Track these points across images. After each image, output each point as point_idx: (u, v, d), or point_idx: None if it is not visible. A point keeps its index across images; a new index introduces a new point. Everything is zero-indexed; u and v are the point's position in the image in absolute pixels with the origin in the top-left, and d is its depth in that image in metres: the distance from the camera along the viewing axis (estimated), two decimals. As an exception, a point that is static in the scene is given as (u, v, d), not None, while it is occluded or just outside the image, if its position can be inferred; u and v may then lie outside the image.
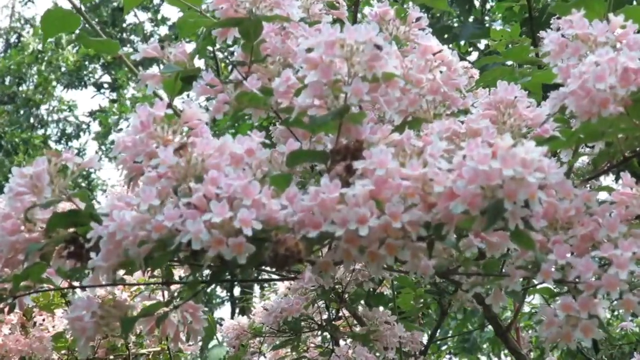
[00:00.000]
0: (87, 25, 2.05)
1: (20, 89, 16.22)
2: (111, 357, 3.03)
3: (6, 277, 1.55)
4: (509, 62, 2.46)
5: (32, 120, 16.52)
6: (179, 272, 1.93)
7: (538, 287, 1.58)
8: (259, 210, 1.28)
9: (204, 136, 1.47)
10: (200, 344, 2.92)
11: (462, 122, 1.50)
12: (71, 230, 1.48)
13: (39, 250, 1.48)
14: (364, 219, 1.24)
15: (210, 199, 1.28)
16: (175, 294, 1.61)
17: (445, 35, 5.41)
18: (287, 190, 1.33)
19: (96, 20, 13.53)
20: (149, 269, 1.39)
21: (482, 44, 5.94)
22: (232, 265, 1.29)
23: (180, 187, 1.37)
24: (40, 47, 15.42)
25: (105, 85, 16.51)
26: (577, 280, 1.32)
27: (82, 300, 1.54)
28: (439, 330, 4.56)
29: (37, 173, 1.45)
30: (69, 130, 16.84)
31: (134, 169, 1.49)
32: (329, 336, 2.84)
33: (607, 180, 3.38)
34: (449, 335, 6.47)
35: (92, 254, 1.40)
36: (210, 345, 2.94)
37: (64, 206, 1.49)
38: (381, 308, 3.32)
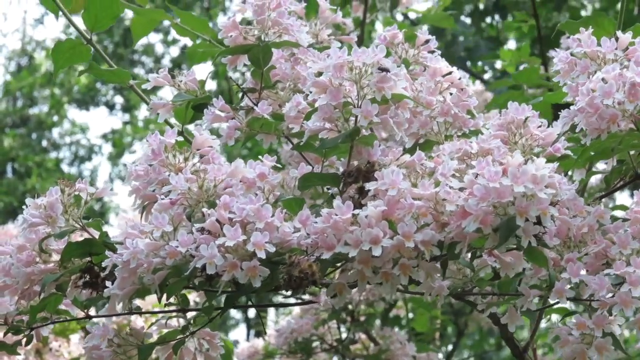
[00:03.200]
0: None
1: (32, 111, 16.24)
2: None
3: (23, 309, 1.54)
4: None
5: (44, 143, 16.52)
6: (194, 298, 1.92)
7: (555, 306, 1.57)
8: (272, 234, 1.28)
9: (216, 162, 1.46)
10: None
11: (473, 143, 1.50)
12: (86, 259, 1.48)
13: (54, 281, 1.48)
14: (377, 239, 1.25)
15: (224, 224, 1.28)
16: (191, 320, 1.61)
17: (462, 53, 5.41)
18: (300, 213, 1.33)
19: (108, 40, 13.53)
20: (164, 295, 1.39)
21: (498, 62, 5.95)
22: (247, 289, 1.30)
23: (194, 212, 1.37)
24: (52, 69, 15.35)
25: (118, 106, 16.50)
26: (591, 298, 1.32)
27: (98, 328, 1.54)
28: (455, 351, 4.56)
29: (51, 203, 1.44)
30: (82, 152, 16.83)
31: (147, 197, 1.49)
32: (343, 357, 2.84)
33: (622, 196, 3.37)
34: (466, 355, 6.45)
35: (108, 283, 1.40)
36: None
37: (78, 235, 1.48)
38: (396, 329, 3.33)
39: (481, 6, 5.64)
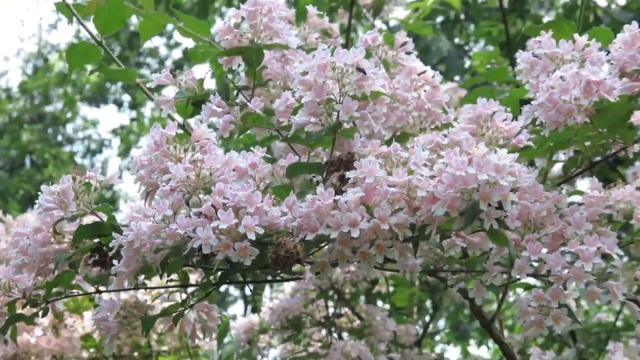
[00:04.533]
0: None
1: (48, 109, 16.24)
2: (135, 354, 3.03)
3: (39, 285, 1.56)
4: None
5: (59, 137, 16.52)
6: (194, 276, 1.94)
7: (518, 282, 1.58)
8: (261, 217, 1.29)
9: (212, 153, 1.48)
10: (215, 340, 2.93)
11: (445, 136, 1.51)
12: (95, 240, 1.50)
13: (67, 259, 1.49)
14: (355, 222, 1.26)
15: (218, 209, 1.30)
16: (191, 295, 1.63)
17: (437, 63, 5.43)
18: (287, 199, 1.35)
19: (116, 43, 13.53)
20: (165, 273, 1.40)
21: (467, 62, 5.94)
22: (239, 267, 1.32)
23: (191, 198, 1.39)
24: (65, 70, 15.53)
25: (126, 104, 16.50)
26: (548, 273, 1.34)
27: (106, 302, 1.56)
28: (432, 323, 4.57)
29: (63, 190, 1.46)
30: (93, 146, 16.85)
31: (150, 184, 1.50)
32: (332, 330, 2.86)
33: (584, 182, 3.36)
34: (442, 326, 6.46)
35: (115, 261, 1.41)
36: (225, 341, 2.94)
37: (89, 219, 1.50)
38: (380, 304, 3.34)
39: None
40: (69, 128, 16.82)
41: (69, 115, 16.29)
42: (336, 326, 2.73)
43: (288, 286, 2.73)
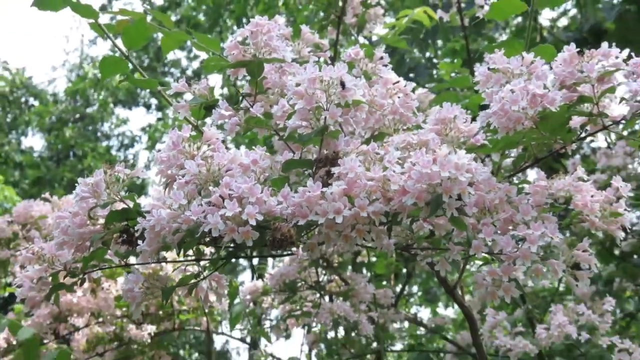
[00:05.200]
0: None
1: (88, 110, 16.38)
2: (160, 312, 3.04)
3: (78, 259, 1.56)
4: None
5: (98, 134, 16.61)
6: (209, 249, 1.94)
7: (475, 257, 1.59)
8: (261, 206, 1.30)
9: (220, 150, 1.48)
10: (227, 302, 2.94)
11: (415, 135, 1.51)
12: (124, 223, 1.50)
13: (100, 238, 1.50)
14: (339, 210, 1.28)
15: (225, 199, 1.31)
16: (204, 268, 1.64)
17: (411, 75, 5.45)
18: (282, 190, 1.36)
19: (145, 56, 13.61)
20: (182, 250, 1.41)
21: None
22: (242, 247, 1.32)
23: (203, 189, 1.39)
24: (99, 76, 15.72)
25: (153, 106, 16.65)
26: (500, 252, 1.34)
27: (132, 276, 1.57)
28: (407, 287, 4.57)
29: (96, 182, 1.47)
30: (126, 141, 17.01)
31: (169, 176, 1.51)
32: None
33: (532, 173, 3.37)
34: (415, 291, 6.50)
35: (140, 241, 1.42)
36: (235, 302, 2.95)
37: (118, 205, 1.50)
38: (363, 271, 3.35)
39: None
40: (106, 126, 17.00)
41: (103, 116, 16.44)
42: (325, 290, 2.74)
43: (286, 257, 2.73)
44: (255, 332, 3.18)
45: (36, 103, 16.79)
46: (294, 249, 1.43)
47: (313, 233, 1.37)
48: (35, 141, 16.66)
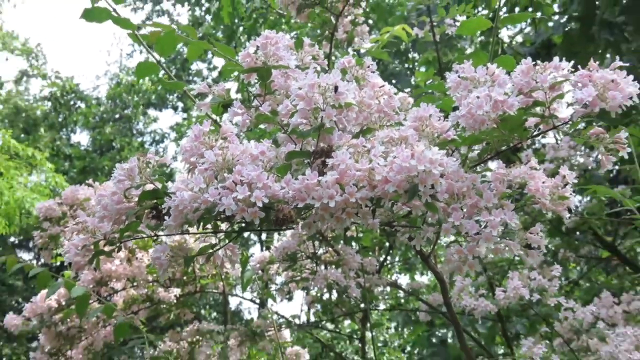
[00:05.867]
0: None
1: (125, 111, 16.49)
2: (184, 277, 3.04)
3: (115, 230, 1.57)
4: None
5: (133, 131, 16.69)
6: (224, 225, 1.95)
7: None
8: (266, 191, 1.30)
9: (234, 143, 1.48)
10: (240, 269, 2.93)
11: (397, 131, 1.50)
12: (153, 201, 1.50)
13: (134, 214, 1.51)
14: (332, 196, 1.27)
15: (237, 184, 1.30)
16: (220, 239, 1.64)
17: (393, 81, 5.46)
18: (285, 177, 1.35)
19: (173, 67, 13.68)
20: (201, 225, 1.41)
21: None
22: (251, 224, 1.32)
23: (219, 175, 1.38)
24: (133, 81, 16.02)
25: (179, 108, 16.76)
26: (466, 234, 1.33)
27: (160, 246, 1.58)
28: (388, 258, 4.57)
29: (131, 167, 1.49)
30: (157, 137, 17.15)
31: (191, 163, 1.50)
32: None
33: (493, 164, 3.36)
34: (396, 260, 6.50)
35: (166, 217, 1.41)
36: (246, 269, 2.95)
37: (149, 187, 1.50)
38: (353, 244, 3.35)
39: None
40: (140, 124, 17.12)
41: (135, 116, 16.58)
42: (320, 259, 2.73)
43: (288, 231, 2.73)
44: (263, 294, 3.17)
45: (82, 105, 16.83)
46: (294, 226, 1.43)
47: (310, 213, 1.36)
48: (81, 137, 16.79)
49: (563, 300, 2.64)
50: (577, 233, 4.60)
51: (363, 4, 2.77)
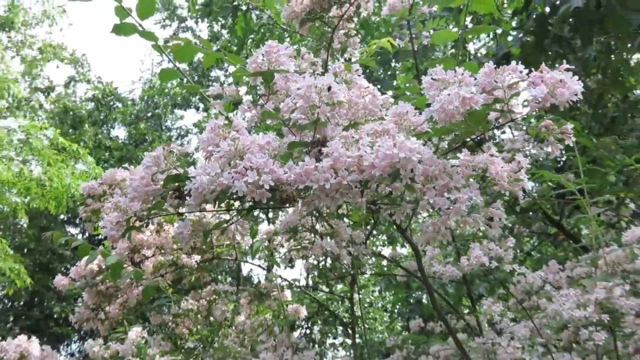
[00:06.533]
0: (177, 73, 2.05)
1: (156, 110, 16.44)
2: (203, 247, 3.03)
3: (144, 209, 1.56)
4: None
5: (163, 127, 16.64)
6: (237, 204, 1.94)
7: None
8: (272, 175, 1.29)
9: (244, 135, 1.46)
10: (250, 240, 2.92)
11: (380, 125, 1.49)
12: (176, 184, 1.49)
13: (160, 195, 1.50)
14: (327, 179, 1.26)
15: (247, 169, 1.28)
16: (232, 216, 1.63)
17: (378, 86, 5.43)
18: (288, 164, 1.33)
19: (195, 74, 13.59)
20: (217, 204, 1.39)
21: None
22: (259, 203, 1.31)
23: (232, 162, 1.36)
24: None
25: (201, 108, 16.71)
26: (439, 209, 1.32)
27: (182, 222, 1.57)
28: (374, 232, 4.55)
29: (157, 155, 1.47)
30: (182, 133, 17.09)
31: (209, 152, 1.49)
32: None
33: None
34: (380, 233, 6.51)
35: (188, 198, 1.40)
36: (255, 240, 2.93)
37: (173, 172, 1.49)
38: (345, 220, 3.34)
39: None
40: (168, 122, 17.09)
41: (164, 115, 16.56)
42: (317, 232, 2.71)
43: (290, 209, 2.72)
44: (269, 261, 3.17)
45: (120, 105, 16.77)
46: (296, 204, 1.42)
47: (309, 194, 1.34)
48: (119, 132, 16.65)
49: (517, 267, 2.64)
50: (530, 212, 4.60)
51: (355, 20, 2.75)
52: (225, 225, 1.55)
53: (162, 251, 2.98)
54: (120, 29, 1.72)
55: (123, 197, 1.61)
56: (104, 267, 2.82)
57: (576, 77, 1.35)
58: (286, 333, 3.02)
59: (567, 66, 1.37)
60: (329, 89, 1.38)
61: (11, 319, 13.36)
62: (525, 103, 1.36)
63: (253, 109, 1.68)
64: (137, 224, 1.62)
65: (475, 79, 1.43)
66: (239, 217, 1.62)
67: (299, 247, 2.80)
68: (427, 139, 1.62)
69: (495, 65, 1.42)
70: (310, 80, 1.38)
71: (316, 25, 2.64)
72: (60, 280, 2.85)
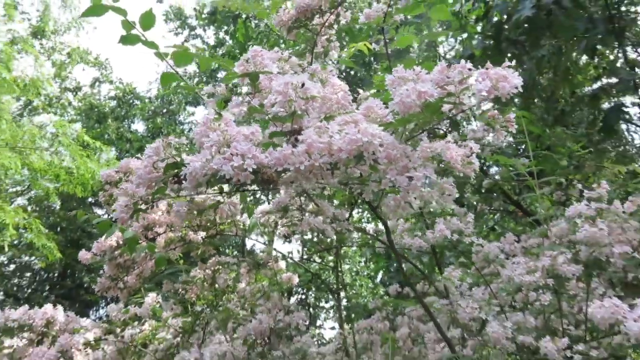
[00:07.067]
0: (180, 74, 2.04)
1: (170, 107, 16.34)
2: (208, 224, 3.03)
3: (148, 193, 1.56)
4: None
5: (177, 121, 16.55)
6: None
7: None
8: (255, 160, 1.29)
9: (231, 126, 1.46)
10: (247, 219, 2.92)
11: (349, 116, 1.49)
12: (175, 170, 1.49)
13: (162, 181, 1.50)
14: (302, 162, 1.27)
15: (233, 155, 1.29)
16: (224, 196, 1.64)
17: (360, 84, 5.42)
18: (268, 150, 1.34)
19: (205, 77, 13.49)
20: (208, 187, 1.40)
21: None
22: (244, 185, 1.31)
23: (221, 150, 1.37)
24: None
25: (210, 105, 16.57)
26: (398, 187, 1.33)
27: (179, 202, 1.58)
28: (354, 210, 4.57)
29: (157, 146, 1.49)
30: (194, 127, 17.00)
31: (201, 142, 1.49)
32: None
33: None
34: (365, 210, 6.52)
35: (184, 182, 1.40)
36: (252, 217, 2.93)
37: (171, 160, 1.49)
38: (335, 201, 3.35)
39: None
40: (182, 116, 16.99)
41: (179, 111, 16.43)
42: (305, 210, 2.72)
43: (283, 191, 2.72)
44: (266, 236, 3.17)
45: (138, 102, 16.67)
46: (276, 185, 1.42)
47: (287, 175, 1.35)
48: (138, 126, 16.54)
49: (475, 239, 2.65)
50: (492, 193, 4.62)
51: (335, 27, 2.74)
52: (219, 204, 1.56)
53: (172, 228, 2.99)
54: (127, 40, 1.71)
55: (130, 183, 1.62)
56: (121, 242, 2.82)
57: (517, 73, 1.36)
58: (279, 297, 3.03)
59: (509, 64, 1.38)
60: (303, 85, 1.39)
61: (47, 288, 13.38)
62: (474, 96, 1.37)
63: (240, 105, 1.68)
64: (144, 207, 1.62)
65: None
66: (229, 197, 1.62)
67: (289, 224, 2.82)
68: (392, 130, 1.62)
69: (447, 64, 1.43)
70: (287, 78, 1.39)
71: (301, 32, 2.63)
72: (84, 255, 2.85)
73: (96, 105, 15.37)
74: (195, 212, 1.59)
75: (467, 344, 2.38)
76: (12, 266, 13.38)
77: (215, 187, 1.51)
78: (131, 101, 16.63)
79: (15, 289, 13.21)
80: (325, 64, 1.93)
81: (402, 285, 3.65)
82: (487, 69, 1.36)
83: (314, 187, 1.58)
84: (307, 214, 2.73)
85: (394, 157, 1.37)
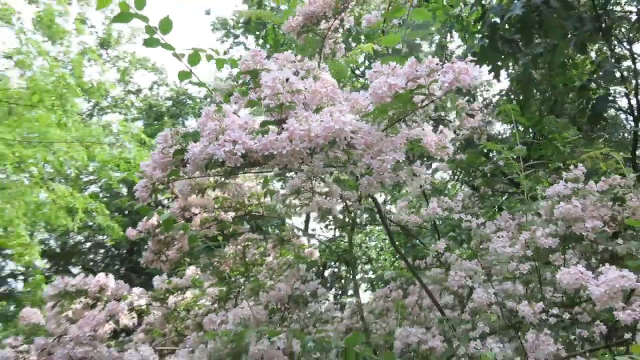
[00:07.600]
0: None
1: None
2: (237, 205, 3.04)
3: (164, 175, 1.58)
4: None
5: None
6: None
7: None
8: (245, 145, 1.30)
9: (229, 117, 1.47)
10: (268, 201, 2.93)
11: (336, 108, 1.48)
12: (182, 156, 1.51)
13: (172, 164, 1.51)
14: (284, 147, 1.27)
15: (227, 141, 1.30)
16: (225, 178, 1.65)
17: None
18: (257, 137, 1.34)
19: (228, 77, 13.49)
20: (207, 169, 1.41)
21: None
22: (236, 167, 1.32)
23: (218, 137, 1.38)
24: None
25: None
26: (373, 168, 1.32)
27: (182, 181, 1.61)
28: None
29: (165, 135, 1.49)
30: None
31: (203, 130, 1.50)
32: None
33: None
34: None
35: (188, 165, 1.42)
36: (274, 198, 2.93)
37: (177, 147, 1.51)
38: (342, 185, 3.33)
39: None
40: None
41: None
42: (315, 191, 2.72)
43: (297, 178, 2.72)
44: (288, 214, 3.18)
45: (190, 102, 16.88)
46: (263, 167, 1.42)
47: (274, 159, 1.36)
48: (191, 122, 16.72)
49: (464, 216, 2.60)
50: (495, 176, 4.52)
51: (341, 30, 2.72)
52: (217, 185, 1.57)
53: (206, 210, 3.03)
54: (149, 42, 1.74)
55: (148, 167, 1.64)
56: (160, 222, 2.88)
57: (477, 67, 1.32)
58: (297, 269, 3.04)
59: (471, 58, 1.35)
60: (287, 80, 1.39)
61: (117, 262, 13.79)
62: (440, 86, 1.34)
63: (241, 98, 1.69)
64: (161, 187, 1.65)
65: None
66: (225, 178, 1.62)
67: (302, 204, 2.82)
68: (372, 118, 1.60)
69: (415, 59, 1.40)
70: (274, 74, 1.39)
71: (310, 36, 2.62)
72: (130, 232, 2.93)
73: (154, 105, 15.67)
74: (196, 190, 1.61)
75: (458, 308, 2.36)
76: (88, 244, 13.83)
77: (219, 169, 1.53)
78: (184, 101, 16.87)
79: (91, 263, 13.66)
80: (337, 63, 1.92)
81: (416, 259, 3.63)
82: (453, 62, 1.33)
83: (322, 172, 1.57)
84: (316, 195, 2.73)
85: (370, 143, 1.35)
